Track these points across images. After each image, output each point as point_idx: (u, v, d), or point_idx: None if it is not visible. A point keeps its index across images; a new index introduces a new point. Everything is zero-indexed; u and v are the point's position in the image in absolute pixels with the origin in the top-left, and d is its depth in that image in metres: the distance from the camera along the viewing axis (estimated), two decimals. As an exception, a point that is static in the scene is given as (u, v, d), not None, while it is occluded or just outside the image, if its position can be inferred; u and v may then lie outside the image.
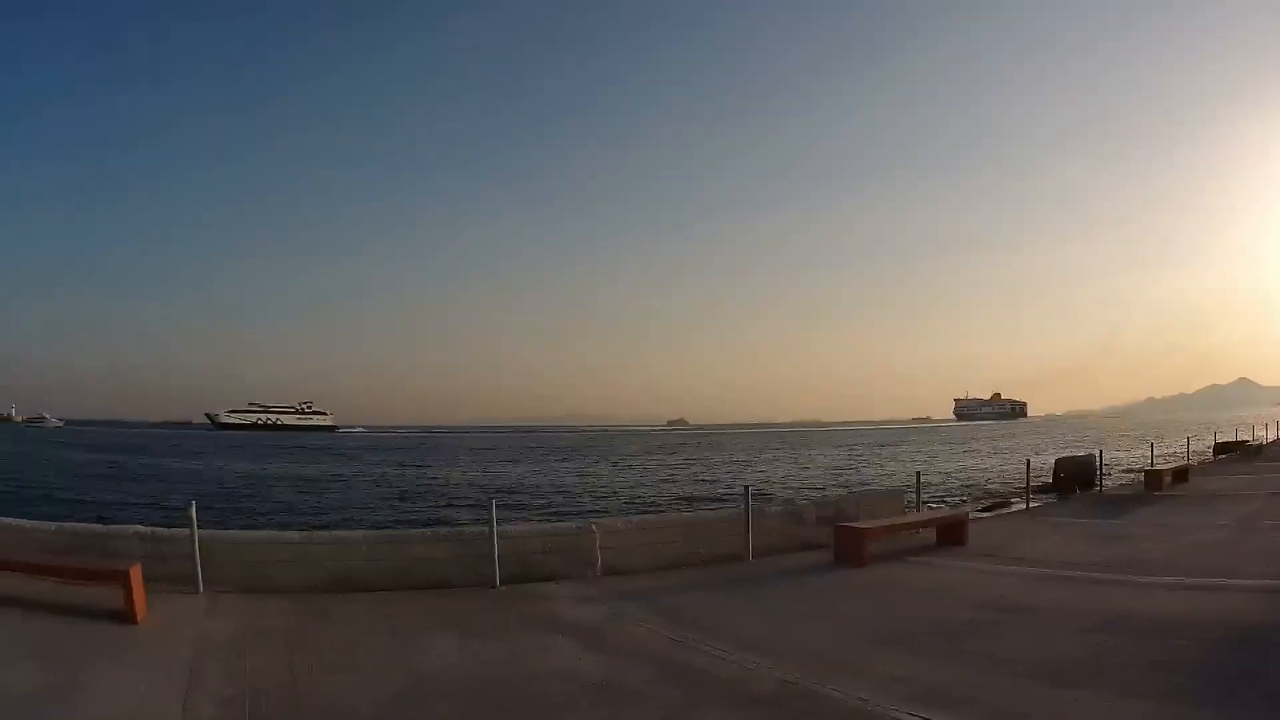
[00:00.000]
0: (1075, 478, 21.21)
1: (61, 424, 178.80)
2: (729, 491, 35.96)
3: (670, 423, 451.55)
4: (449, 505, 31.81)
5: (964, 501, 25.83)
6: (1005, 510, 18.69)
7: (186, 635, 6.85)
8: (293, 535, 9.56)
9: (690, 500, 34.16)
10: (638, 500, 35.08)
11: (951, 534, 11.87)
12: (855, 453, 75.54)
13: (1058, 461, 23.04)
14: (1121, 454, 42.33)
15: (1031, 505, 17.32)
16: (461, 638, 6.95)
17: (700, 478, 47.69)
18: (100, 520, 14.41)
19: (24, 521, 9.68)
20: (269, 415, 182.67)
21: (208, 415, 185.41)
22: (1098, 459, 21.50)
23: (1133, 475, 26.52)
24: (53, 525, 9.52)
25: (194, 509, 8.54)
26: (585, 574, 9.38)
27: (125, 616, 7.23)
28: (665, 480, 46.07)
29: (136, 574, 7.43)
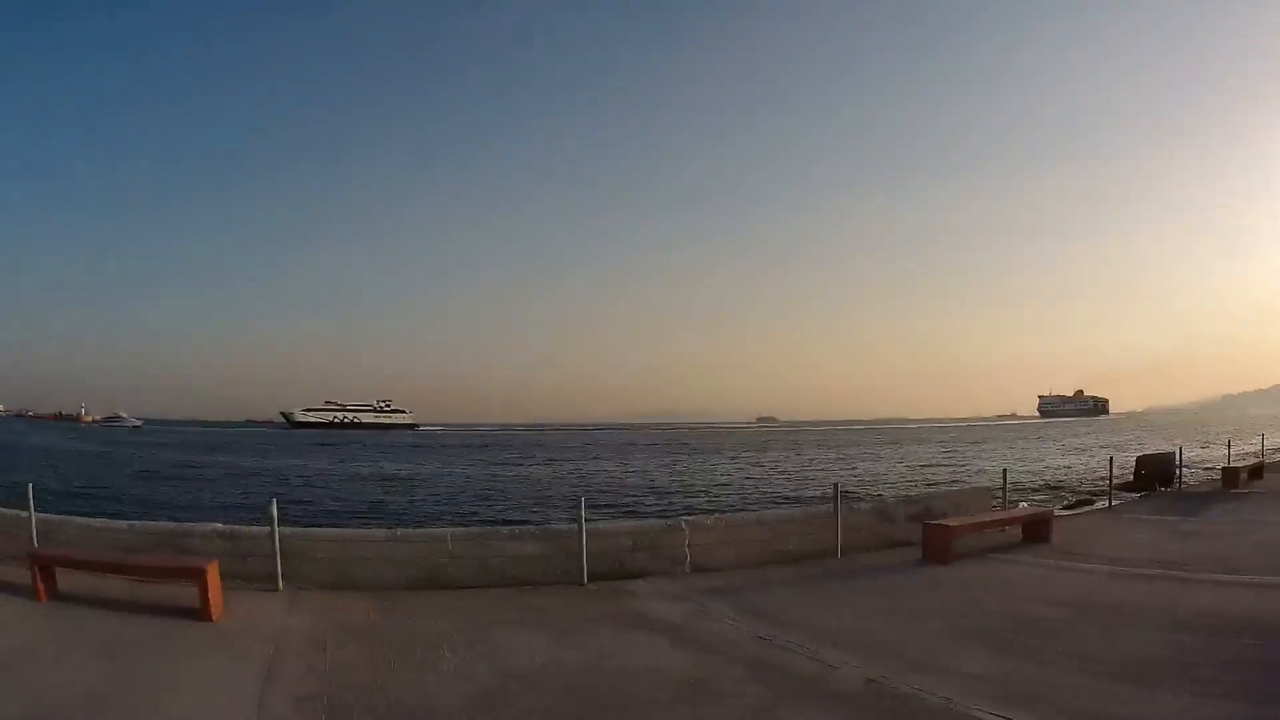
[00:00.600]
0: (1155, 475, 20.88)
1: (140, 424, 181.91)
2: (817, 489, 36.03)
3: (760, 419, 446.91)
4: (536, 503, 32.14)
5: (1048, 499, 25.40)
6: (1088, 508, 18.34)
7: (264, 632, 6.93)
8: (377, 533, 9.62)
9: (780, 497, 34.13)
10: (726, 497, 35.06)
11: (1036, 531, 11.77)
12: (943, 450, 75.14)
13: (1138, 459, 22.73)
14: (1200, 451, 41.36)
15: (1114, 503, 17.03)
16: (548, 635, 6.92)
17: (788, 475, 47.64)
18: (175, 519, 14.83)
19: (99, 521, 9.94)
20: (346, 414, 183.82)
21: (283, 414, 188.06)
22: (1177, 456, 21.12)
23: (1210, 472, 26.05)
24: (125, 524, 9.71)
25: (275, 507, 8.64)
26: (674, 571, 9.33)
27: (201, 614, 7.34)
28: (754, 477, 46.02)
29: (214, 572, 7.54)
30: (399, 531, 9.48)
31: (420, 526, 15.06)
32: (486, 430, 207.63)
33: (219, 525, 9.42)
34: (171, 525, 9.81)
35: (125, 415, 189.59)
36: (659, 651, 6.47)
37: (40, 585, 7.96)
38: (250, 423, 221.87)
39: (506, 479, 45.38)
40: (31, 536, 9.07)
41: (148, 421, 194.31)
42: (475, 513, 29.46)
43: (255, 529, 9.21)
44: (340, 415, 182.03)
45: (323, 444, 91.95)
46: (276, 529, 8.64)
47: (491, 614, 7.64)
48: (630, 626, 7.20)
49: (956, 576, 9.51)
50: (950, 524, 10.52)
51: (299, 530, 9.43)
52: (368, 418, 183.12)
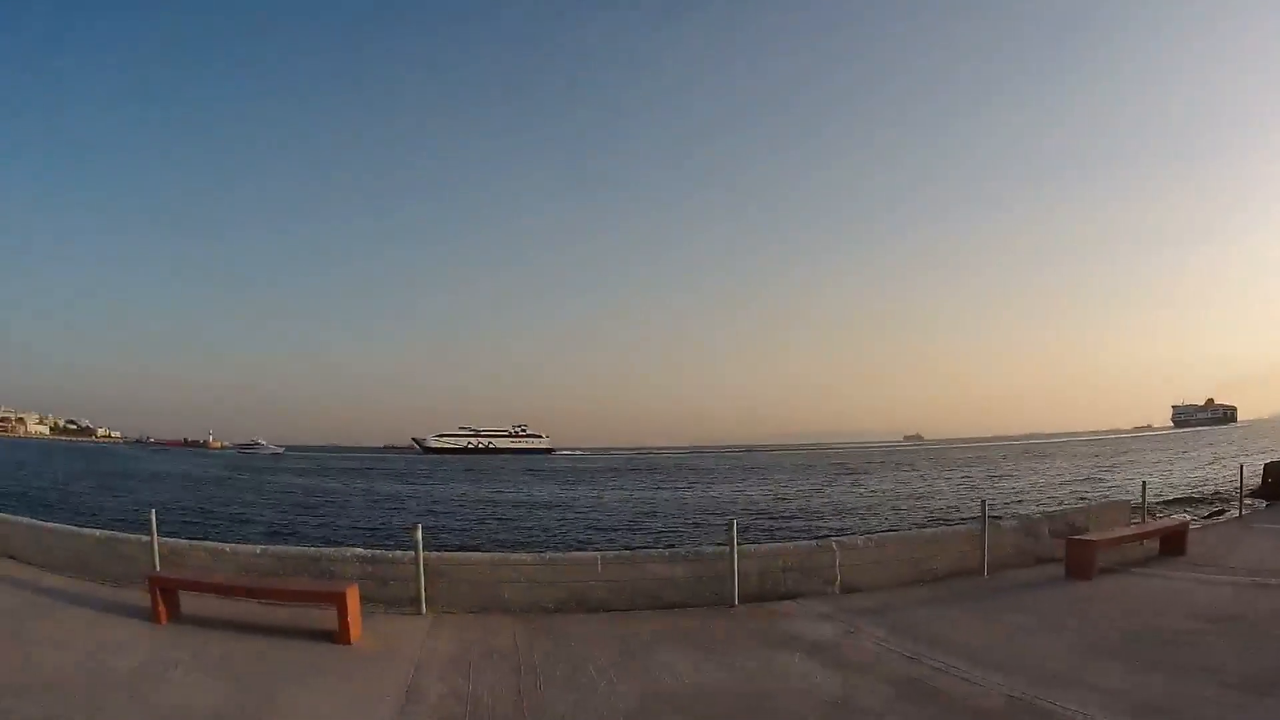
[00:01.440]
0: (1283, 483, 20.51)
1: (282, 450, 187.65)
2: (964, 506, 36.49)
3: (906, 438, 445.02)
4: (684, 526, 32.37)
5: (1182, 510, 25.12)
6: (1220, 518, 17.98)
7: (405, 655, 7.07)
8: (525, 556, 9.73)
9: (929, 516, 34.34)
10: (875, 517, 35.15)
11: (1173, 544, 11.62)
12: (1085, 464, 74.57)
13: (1266, 467, 22.25)
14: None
15: (1244, 512, 16.68)
16: (697, 656, 6.92)
17: (935, 493, 47.77)
18: (314, 544, 15.14)
19: (229, 545, 10.18)
20: (480, 439, 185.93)
21: (415, 440, 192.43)
22: (1308, 463, 20.55)
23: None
24: (257, 549, 9.92)
25: (419, 531, 8.83)
26: (824, 591, 9.32)
27: (338, 637, 7.49)
28: (902, 496, 46.11)
29: (353, 595, 7.69)
30: (547, 555, 9.64)
31: (569, 550, 15.19)
32: (625, 454, 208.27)
33: (360, 550, 9.63)
34: (309, 550, 10.00)
35: (264, 442, 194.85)
36: (808, 672, 6.45)
37: (162, 608, 8.18)
38: (389, 448, 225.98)
39: (653, 502, 45.89)
40: (154, 561, 9.31)
41: (290, 448, 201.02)
42: (624, 536, 29.63)
43: (398, 553, 9.40)
44: (474, 440, 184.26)
45: (467, 469, 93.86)
46: (421, 553, 8.83)
47: (640, 636, 7.65)
48: (780, 647, 7.17)
49: (1097, 592, 9.42)
50: (1091, 539, 10.49)
51: (444, 554, 9.53)
52: (503, 442, 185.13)
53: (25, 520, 12.48)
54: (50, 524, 12.35)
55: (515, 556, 9.79)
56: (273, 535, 28.50)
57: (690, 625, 8.08)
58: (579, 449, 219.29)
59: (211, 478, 70.63)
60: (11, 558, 11.29)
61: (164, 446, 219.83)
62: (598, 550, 10.45)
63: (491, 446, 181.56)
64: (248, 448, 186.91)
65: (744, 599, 8.83)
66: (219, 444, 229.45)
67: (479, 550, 15.91)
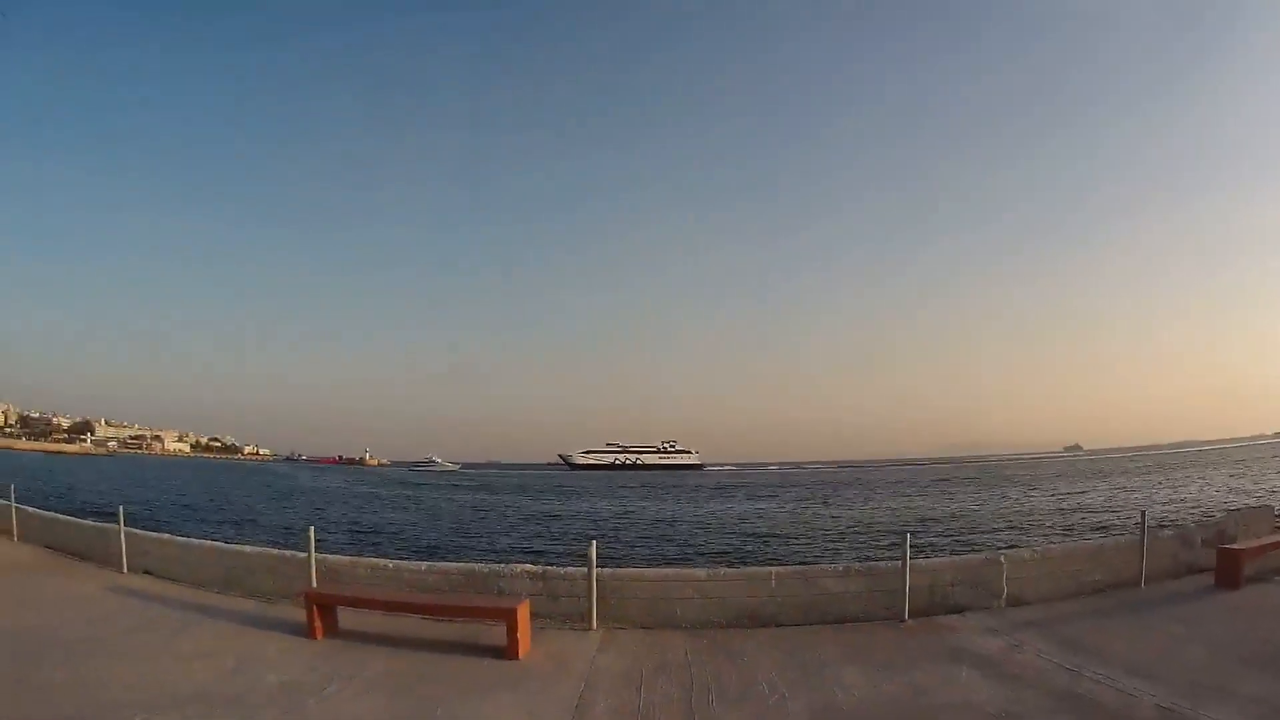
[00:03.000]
0: None
1: (456, 467, 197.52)
2: (1123, 518, 37.34)
3: (1066, 448, 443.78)
4: (848, 540, 32.85)
5: None
6: None
7: (575, 670, 7.44)
8: (697, 572, 9.98)
9: (1091, 526, 35.05)
10: (1035, 529, 35.76)
11: None
12: (1237, 472, 75.50)
13: None
14: None
15: None
16: (867, 670, 7.22)
17: (1094, 504, 48.37)
18: (482, 560, 15.76)
19: (391, 561, 10.66)
20: (627, 455, 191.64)
21: (561, 456, 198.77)
22: None
23: None
24: (422, 565, 10.37)
25: (594, 549, 9.23)
26: (990, 605, 9.59)
27: (506, 652, 7.89)
28: (1064, 508, 46.56)
29: (524, 611, 8.09)
30: (721, 571, 9.96)
31: (740, 566, 15.72)
32: (778, 469, 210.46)
33: (530, 566, 9.99)
34: (477, 566, 10.38)
35: (438, 459, 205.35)
36: (974, 685, 6.77)
37: (318, 624, 8.60)
38: (552, 465, 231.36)
39: (815, 517, 46.65)
40: (310, 577, 9.77)
41: (465, 465, 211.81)
42: (782, 550, 30.18)
43: (569, 569, 9.82)
44: (621, 456, 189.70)
45: (640, 485, 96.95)
46: (594, 569, 9.19)
47: (811, 651, 7.95)
48: (947, 661, 7.48)
49: (1245, 601, 9.71)
50: (1238, 548, 10.71)
51: (616, 570, 9.88)
52: (651, 458, 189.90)
53: (165, 537, 13.22)
54: (195, 539, 13.09)
55: (687, 572, 10.13)
56: (431, 552, 29.46)
57: (861, 640, 8.38)
58: (728, 464, 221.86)
59: (375, 495, 73.27)
60: (148, 573, 12.01)
61: (317, 463, 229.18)
62: (772, 566, 10.83)
63: (639, 463, 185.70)
64: (420, 465, 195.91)
65: (913, 613, 9.10)
66: (376, 460, 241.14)
67: (652, 566, 16.51)
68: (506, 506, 58.88)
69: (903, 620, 9.04)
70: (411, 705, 6.57)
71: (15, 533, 15.43)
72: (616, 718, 6.26)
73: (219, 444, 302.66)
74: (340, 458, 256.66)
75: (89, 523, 15.11)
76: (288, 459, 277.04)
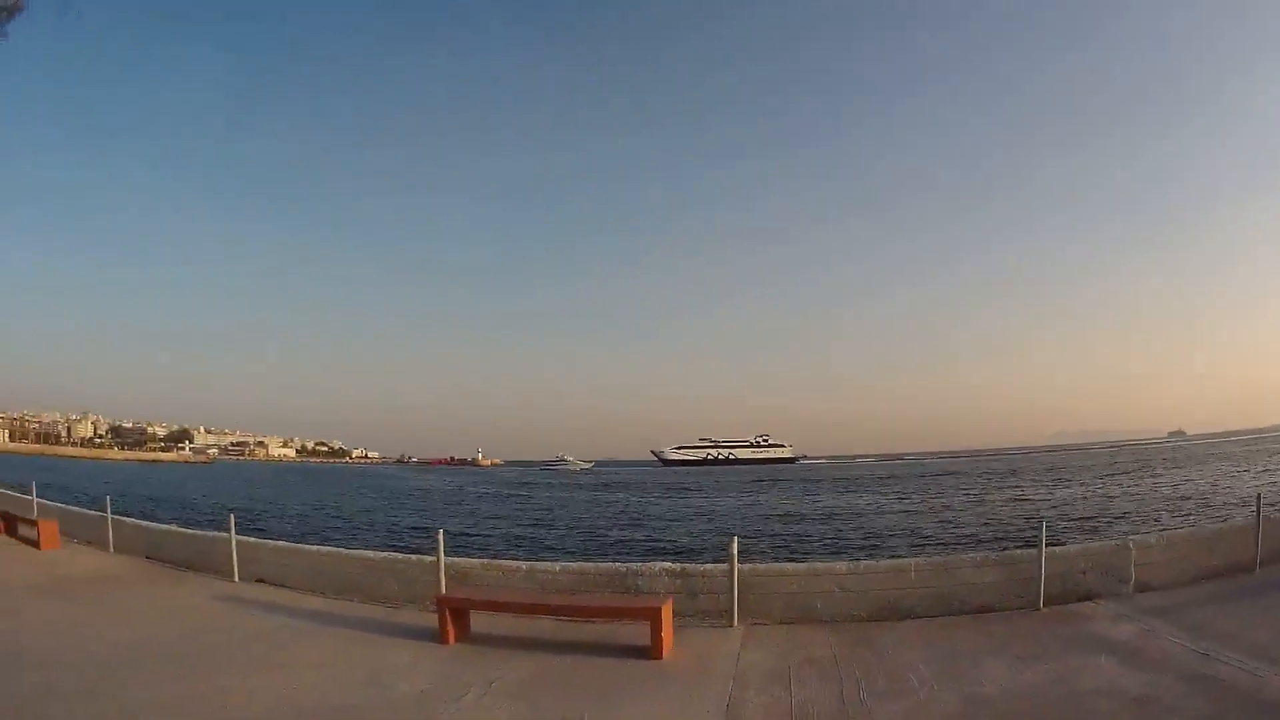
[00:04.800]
0: None
1: (589, 465, 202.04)
2: (1235, 502, 39.04)
3: (1170, 434, 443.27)
4: (968, 531, 34.81)
5: None
6: None
7: (721, 669, 7.70)
8: (838, 565, 10.37)
9: (1208, 512, 36.40)
10: (1148, 514, 37.59)
11: None
12: None
13: None
14: None
15: None
16: (1009, 660, 7.59)
17: (1204, 490, 49.64)
18: (620, 559, 16.47)
19: (525, 563, 11.09)
20: (720, 450, 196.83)
21: (654, 452, 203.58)
22: None
23: None
24: (557, 566, 10.79)
25: (735, 545, 9.53)
26: (1119, 591, 9.94)
27: (650, 653, 8.18)
28: (1181, 495, 47.78)
29: (667, 611, 8.37)
30: (861, 564, 10.34)
31: (877, 558, 16.37)
32: (875, 461, 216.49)
33: (669, 564, 10.40)
34: (614, 565, 10.76)
35: (570, 458, 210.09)
36: (1110, 671, 7.16)
37: (450, 628, 8.90)
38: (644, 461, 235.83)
39: (932, 508, 48.50)
40: (439, 581, 10.18)
41: (599, 464, 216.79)
42: (916, 544, 31.52)
43: (709, 566, 10.15)
44: (714, 451, 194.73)
45: (758, 480, 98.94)
46: (735, 565, 9.49)
47: (954, 642, 8.32)
48: (1083, 649, 7.85)
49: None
50: None
51: (756, 566, 10.26)
52: (744, 453, 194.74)
53: (279, 543, 13.77)
54: (310, 545, 13.67)
55: (827, 565, 10.55)
56: (556, 552, 30.71)
57: (1000, 630, 8.75)
58: (822, 458, 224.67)
59: (492, 495, 76.66)
60: (261, 581, 12.44)
61: (429, 465, 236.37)
62: (911, 558, 11.34)
63: (731, 458, 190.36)
64: (552, 464, 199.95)
65: (1047, 601, 9.50)
66: (489, 461, 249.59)
67: (792, 561, 17.12)
68: (624, 503, 61.36)
69: (1038, 609, 9.42)
70: (555, 711, 6.76)
71: (110, 544, 15.89)
72: (771, 714, 6.52)
73: (325, 448, 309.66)
74: (452, 459, 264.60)
75: (192, 531, 15.64)
76: (398, 461, 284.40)
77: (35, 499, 19.85)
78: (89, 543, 16.62)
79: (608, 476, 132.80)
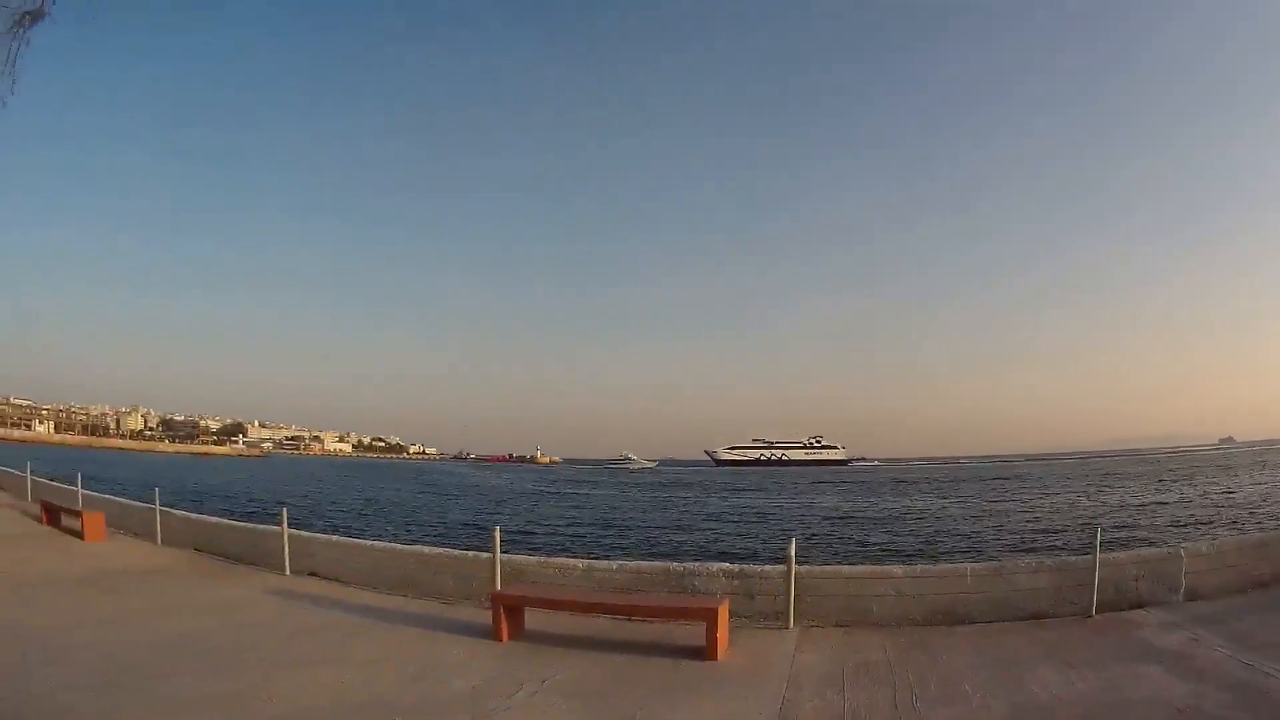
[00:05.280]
0: None
1: (653, 464, 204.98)
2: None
3: (1220, 440, 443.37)
4: (1019, 536, 35.51)
5: None
6: None
7: (776, 671, 7.81)
8: (893, 569, 10.48)
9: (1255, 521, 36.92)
10: (1194, 521, 38.12)
11: None
12: None
13: None
14: None
15: None
16: (1060, 668, 7.68)
17: (1249, 497, 50.61)
18: (675, 559, 16.55)
19: (583, 561, 11.30)
20: (773, 450, 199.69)
21: (707, 452, 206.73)
22: None
23: None
24: (614, 564, 11.00)
25: (793, 546, 9.69)
26: (1169, 599, 10.02)
27: (705, 654, 8.27)
28: (1236, 504, 47.88)
29: (723, 611, 8.47)
30: (918, 568, 10.55)
31: (933, 563, 16.32)
32: (928, 464, 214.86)
33: (726, 564, 10.54)
34: (671, 565, 10.88)
35: (633, 456, 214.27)
36: (1157, 681, 7.25)
37: (504, 626, 9.04)
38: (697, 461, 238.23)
39: (985, 512, 49.12)
40: (495, 577, 10.39)
41: (663, 462, 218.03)
42: (980, 547, 32.20)
43: (766, 567, 10.35)
44: (767, 452, 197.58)
45: (815, 482, 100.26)
46: (793, 567, 9.63)
47: (1006, 648, 8.43)
48: (1133, 657, 7.96)
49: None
50: None
51: (813, 568, 10.41)
52: (797, 454, 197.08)
53: (332, 538, 13.99)
54: (365, 540, 13.96)
55: (883, 569, 10.65)
56: (611, 550, 31.42)
57: (1052, 636, 8.85)
58: (874, 460, 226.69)
59: (550, 493, 77.80)
60: (314, 575, 12.66)
61: (487, 461, 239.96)
62: (967, 562, 11.54)
63: (784, 459, 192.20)
64: (617, 463, 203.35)
65: (1100, 608, 9.61)
66: (547, 458, 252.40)
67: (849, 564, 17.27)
68: (682, 502, 62.44)
69: (1090, 615, 9.54)
70: (607, 710, 6.88)
71: (158, 536, 16.21)
72: (823, 718, 6.65)
73: (383, 443, 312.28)
74: (510, 455, 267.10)
75: (243, 524, 15.95)
76: (455, 458, 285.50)
77: (80, 490, 20.12)
78: (136, 535, 16.92)
79: (664, 476, 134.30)
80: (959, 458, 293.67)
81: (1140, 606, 9.89)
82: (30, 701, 7.04)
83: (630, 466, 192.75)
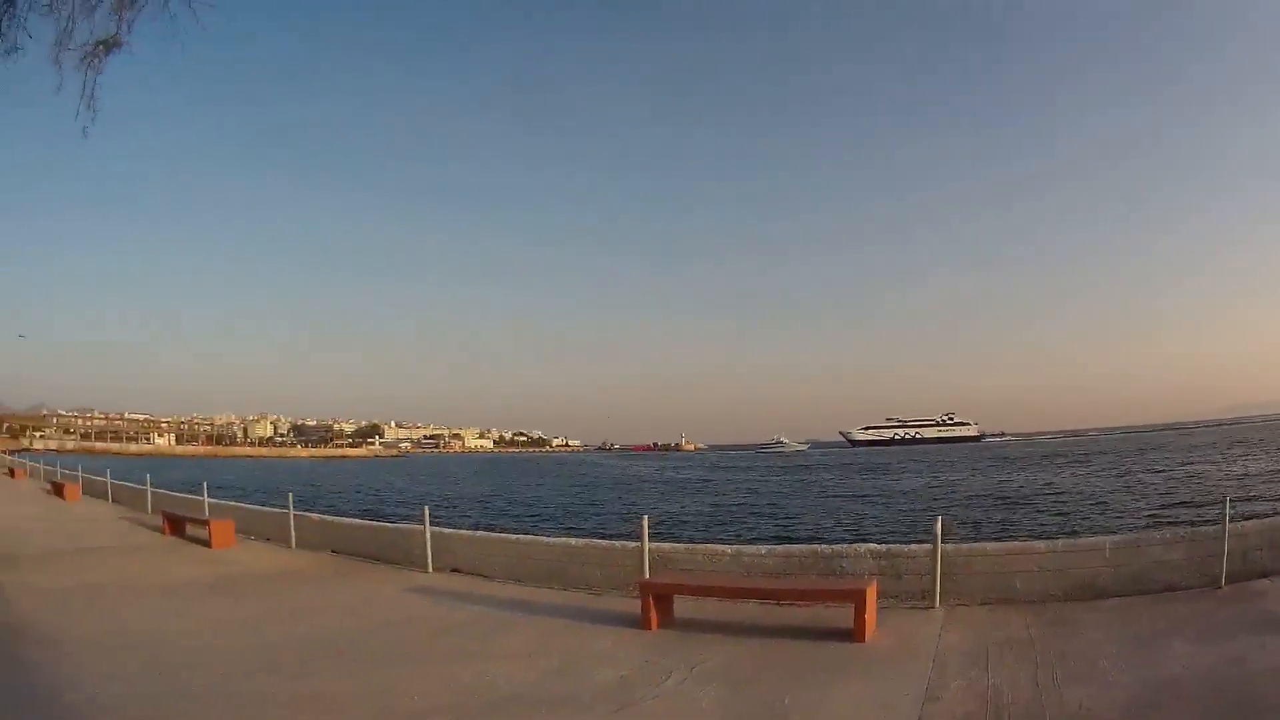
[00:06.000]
0: None
1: (804, 447, 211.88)
2: None
3: None
4: (1150, 507, 36.71)
5: None
6: None
7: (922, 651, 7.96)
8: (1037, 544, 10.72)
9: None
10: None
11: None
12: None
13: None
14: None
15: None
16: (1192, 641, 7.79)
17: None
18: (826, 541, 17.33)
19: (731, 547, 11.64)
20: (907, 429, 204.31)
21: (842, 433, 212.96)
22: None
23: None
24: (763, 549, 11.33)
25: (939, 525, 9.85)
26: None
27: (853, 636, 8.47)
28: None
29: (871, 592, 8.66)
30: (1059, 543, 10.74)
31: (1073, 536, 16.65)
32: (1058, 438, 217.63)
33: (873, 545, 10.80)
34: (818, 547, 11.24)
35: (785, 440, 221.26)
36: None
37: (653, 613, 9.32)
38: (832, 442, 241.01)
39: (1120, 484, 50.15)
40: (643, 566, 10.70)
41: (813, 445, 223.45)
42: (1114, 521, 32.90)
43: (913, 547, 10.58)
44: (901, 431, 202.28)
45: (949, 461, 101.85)
46: (939, 546, 9.78)
47: (1140, 623, 8.61)
48: (1261, 628, 8.06)
49: None
50: None
51: (959, 546, 10.60)
52: (930, 432, 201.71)
53: (475, 534, 14.49)
54: (509, 534, 14.33)
55: (1028, 545, 10.85)
56: (759, 534, 32.81)
57: (1183, 610, 8.98)
58: (1007, 435, 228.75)
59: (696, 480, 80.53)
60: (456, 571, 13.04)
61: (631, 451, 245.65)
62: (1106, 536, 11.71)
63: (918, 437, 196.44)
64: (769, 446, 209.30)
65: (1229, 579, 9.74)
66: (693, 445, 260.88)
67: (996, 540, 17.64)
68: (821, 484, 64.10)
69: (1219, 587, 9.71)
70: (756, 694, 7.03)
71: (292, 540, 16.73)
72: (967, 698, 6.72)
73: (524, 438, 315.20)
74: (655, 444, 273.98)
75: (380, 524, 16.56)
76: (599, 449, 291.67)
77: (206, 499, 20.88)
78: (269, 540, 17.37)
79: (812, 458, 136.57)
80: (1088, 430, 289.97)
81: (1265, 576, 9.99)
82: (172, 701, 7.35)
83: (784, 450, 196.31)
